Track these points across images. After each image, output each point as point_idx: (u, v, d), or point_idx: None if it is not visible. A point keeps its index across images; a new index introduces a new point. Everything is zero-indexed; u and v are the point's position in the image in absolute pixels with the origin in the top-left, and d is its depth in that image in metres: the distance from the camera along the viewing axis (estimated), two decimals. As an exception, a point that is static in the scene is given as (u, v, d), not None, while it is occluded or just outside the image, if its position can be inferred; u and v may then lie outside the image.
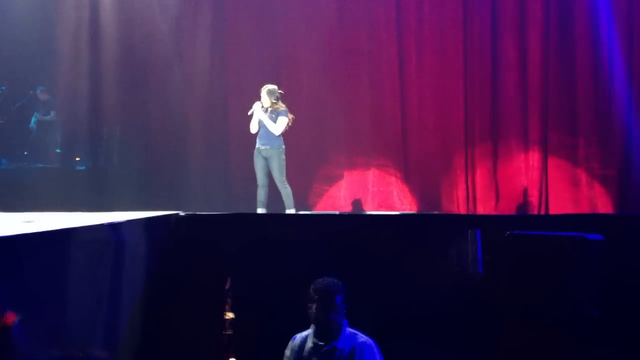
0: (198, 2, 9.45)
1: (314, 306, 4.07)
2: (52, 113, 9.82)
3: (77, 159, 9.73)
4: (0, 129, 9.52)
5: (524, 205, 8.31)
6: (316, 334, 4.10)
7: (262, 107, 7.31)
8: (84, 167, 9.53)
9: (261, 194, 7.35)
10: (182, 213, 5.61)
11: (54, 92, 9.86)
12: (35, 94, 9.82)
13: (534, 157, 8.38)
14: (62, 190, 8.48)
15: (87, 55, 9.49)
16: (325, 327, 4.05)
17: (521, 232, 4.74)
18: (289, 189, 7.33)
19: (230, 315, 5.52)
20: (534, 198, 8.27)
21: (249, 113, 7.38)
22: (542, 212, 8.10)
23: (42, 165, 9.37)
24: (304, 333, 4.20)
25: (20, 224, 4.65)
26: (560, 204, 8.19)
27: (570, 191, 8.22)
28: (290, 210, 7.29)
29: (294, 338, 4.24)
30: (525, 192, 8.37)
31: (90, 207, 6.14)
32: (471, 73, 8.64)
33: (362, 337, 4.09)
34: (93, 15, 9.43)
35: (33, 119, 9.80)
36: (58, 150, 9.75)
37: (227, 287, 5.49)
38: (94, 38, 9.45)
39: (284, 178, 7.32)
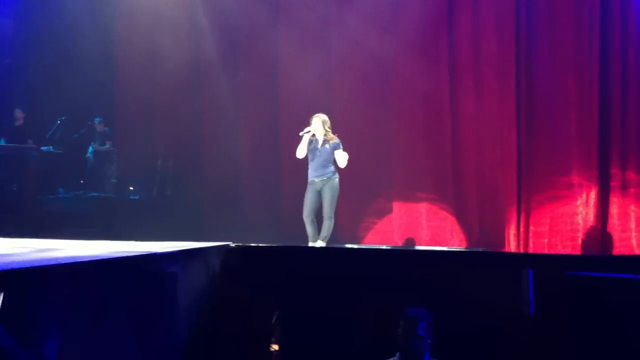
0: (251, 38, 9.66)
1: (400, 332, 4.25)
2: (108, 144, 10.07)
3: (131, 188, 9.93)
4: (59, 158, 9.77)
5: (580, 244, 8.06)
6: None
7: (313, 135, 7.23)
8: (137, 197, 9.72)
9: (310, 231, 7.11)
10: (232, 244, 5.65)
11: (111, 123, 10.13)
12: (93, 124, 10.08)
13: (592, 194, 8.08)
14: (116, 219, 8.64)
15: (145, 89, 9.78)
16: (406, 353, 4.23)
17: (577, 273, 4.63)
18: (332, 223, 7.09)
19: (275, 347, 5.51)
20: (591, 237, 8.00)
21: (301, 134, 7.17)
22: (599, 253, 7.86)
23: (97, 194, 9.56)
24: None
25: (75, 250, 4.75)
26: (619, 245, 7.92)
27: (629, 231, 7.94)
28: (321, 243, 7.01)
29: None
30: (582, 231, 8.10)
31: (142, 237, 6.21)
32: (525, 108, 8.50)
33: None
34: (151, 51, 9.73)
35: (90, 149, 10.05)
36: (114, 180, 9.96)
37: (274, 319, 5.49)
38: (151, 73, 9.73)
39: (333, 211, 7.08)
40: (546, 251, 8.05)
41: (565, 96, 8.34)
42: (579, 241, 8.06)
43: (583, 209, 8.13)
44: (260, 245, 5.98)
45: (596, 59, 8.18)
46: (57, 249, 5.09)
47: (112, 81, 10.18)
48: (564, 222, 8.19)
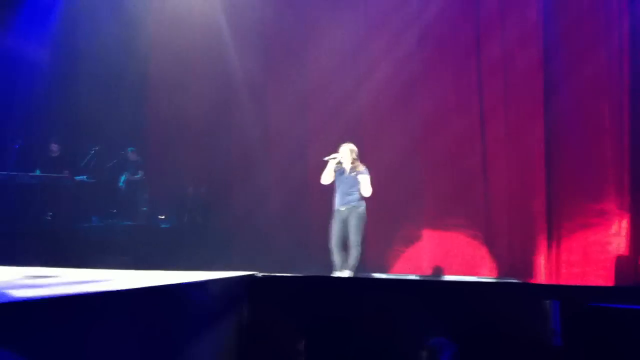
0: (280, 70, 9.80)
1: None
2: (140, 173, 10.24)
3: (162, 217, 10.06)
4: (92, 187, 9.94)
5: (612, 274, 7.89)
6: None
7: (340, 163, 7.25)
8: (168, 226, 9.83)
9: (337, 260, 7.07)
10: (259, 274, 5.67)
11: (143, 152, 10.31)
12: (125, 154, 10.26)
13: (624, 222, 7.90)
14: (147, 247, 8.74)
15: (176, 119, 9.95)
16: None
17: (604, 305, 4.55)
18: (359, 252, 7.02)
19: (303, 378, 5.49)
20: (624, 267, 7.82)
21: (326, 159, 7.21)
22: (633, 284, 7.67)
23: (129, 223, 9.70)
24: None
25: (102, 281, 4.81)
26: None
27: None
28: (349, 272, 6.95)
29: None
30: (614, 260, 7.88)
31: (171, 265, 6.28)
32: (555, 136, 8.42)
33: None
34: (182, 80, 9.92)
35: (123, 178, 10.22)
36: (145, 209, 10.10)
37: (301, 349, 5.47)
38: (182, 102, 9.92)
39: (360, 240, 7.03)
40: (577, 281, 7.90)
41: (596, 122, 8.22)
42: (612, 271, 7.88)
43: (615, 238, 7.96)
44: (286, 275, 5.99)
45: (627, 84, 8.06)
46: (94, 280, 5.16)
47: (144, 111, 10.39)
48: (595, 251, 8.00)
